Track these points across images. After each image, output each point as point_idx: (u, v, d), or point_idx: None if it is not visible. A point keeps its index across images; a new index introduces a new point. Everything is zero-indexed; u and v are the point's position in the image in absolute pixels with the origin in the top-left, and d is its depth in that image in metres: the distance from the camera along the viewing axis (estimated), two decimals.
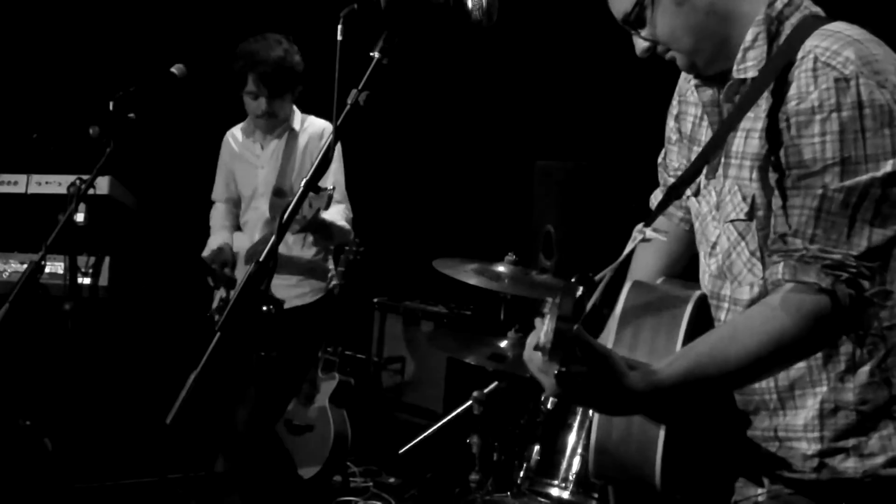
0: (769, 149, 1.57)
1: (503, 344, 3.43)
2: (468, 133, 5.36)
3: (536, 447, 3.10)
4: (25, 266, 2.78)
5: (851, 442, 1.58)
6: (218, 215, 4.05)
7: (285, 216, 1.68)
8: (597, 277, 1.61)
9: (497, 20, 1.70)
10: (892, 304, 1.53)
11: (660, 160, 1.98)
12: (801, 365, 1.59)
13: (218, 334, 1.57)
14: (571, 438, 3.03)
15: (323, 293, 3.90)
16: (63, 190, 3.25)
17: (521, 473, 3.12)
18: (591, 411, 1.63)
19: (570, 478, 2.98)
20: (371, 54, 1.72)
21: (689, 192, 1.83)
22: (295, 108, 3.89)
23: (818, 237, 1.47)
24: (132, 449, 4.19)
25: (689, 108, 1.84)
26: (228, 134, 4.00)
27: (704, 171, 1.73)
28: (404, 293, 5.31)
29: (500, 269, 3.43)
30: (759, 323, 1.49)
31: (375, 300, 5.36)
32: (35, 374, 4.08)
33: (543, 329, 1.35)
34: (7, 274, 4.34)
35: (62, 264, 3.63)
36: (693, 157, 1.77)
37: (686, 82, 1.85)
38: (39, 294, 2.78)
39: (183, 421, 1.53)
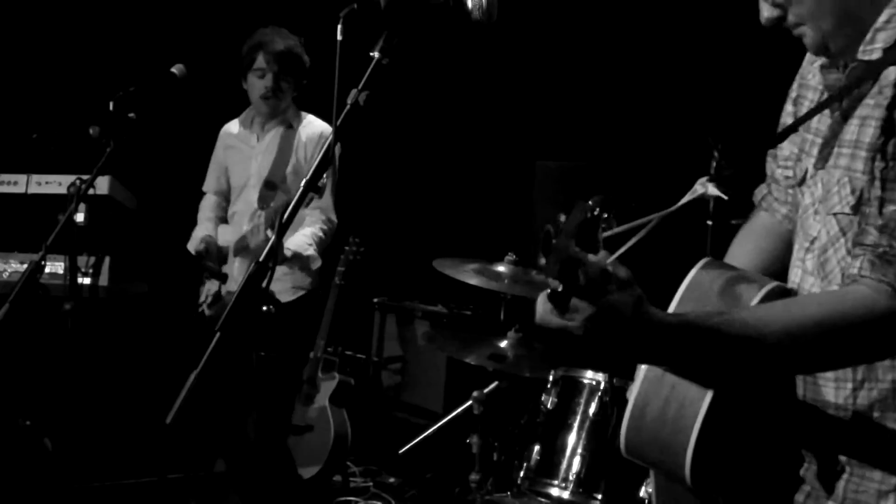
0: (885, 140, 1.44)
1: (503, 344, 3.43)
2: (468, 133, 5.36)
3: (536, 447, 3.10)
4: (25, 266, 2.78)
5: None
6: (206, 207, 4.08)
7: (285, 215, 1.68)
8: (638, 222, 1.47)
9: (497, 20, 1.70)
10: None
11: (771, 150, 1.80)
12: (885, 386, 1.46)
13: (218, 334, 1.57)
14: (571, 438, 3.04)
15: (304, 292, 3.90)
16: (63, 190, 3.25)
17: (521, 473, 3.12)
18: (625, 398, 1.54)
19: (570, 478, 2.98)
20: (371, 54, 1.72)
21: (794, 181, 1.69)
22: (297, 108, 3.92)
23: None
24: (132, 449, 4.18)
25: (807, 93, 1.70)
26: (224, 128, 4.04)
27: (813, 160, 1.61)
28: (404, 293, 5.31)
29: (500, 269, 3.44)
30: (816, 304, 1.40)
31: (375, 300, 5.36)
32: (35, 374, 4.08)
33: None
34: (7, 274, 4.33)
35: (62, 264, 3.63)
36: (806, 146, 1.65)
37: (810, 64, 1.70)
38: (39, 294, 2.78)
39: (183, 421, 1.53)
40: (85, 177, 3.11)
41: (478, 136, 5.32)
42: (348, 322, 4.55)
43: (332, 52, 1.70)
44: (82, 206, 3.27)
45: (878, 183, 1.43)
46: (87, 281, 4.08)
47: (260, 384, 3.62)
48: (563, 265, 1.25)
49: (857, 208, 1.48)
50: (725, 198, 1.57)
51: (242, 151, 3.95)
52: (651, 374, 1.52)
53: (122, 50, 5.19)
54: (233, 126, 4.02)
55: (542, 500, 3.03)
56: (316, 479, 4.17)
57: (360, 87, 1.70)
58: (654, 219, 1.44)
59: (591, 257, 1.28)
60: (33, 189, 4.44)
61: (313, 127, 3.90)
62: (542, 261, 1.28)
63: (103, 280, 4.22)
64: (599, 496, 2.95)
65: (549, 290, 1.32)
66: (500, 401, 3.48)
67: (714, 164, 3.92)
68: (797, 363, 1.46)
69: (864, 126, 1.47)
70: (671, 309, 1.55)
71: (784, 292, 1.60)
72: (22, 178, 4.47)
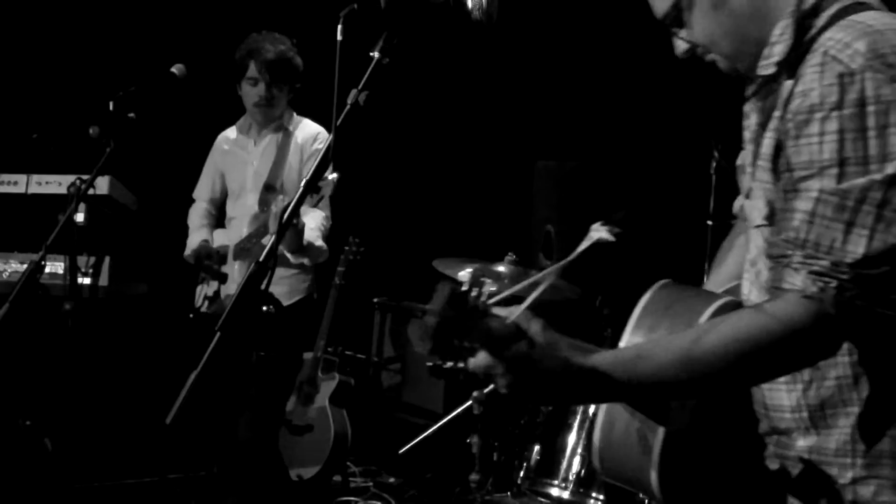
0: (777, 150, 1.48)
1: None
2: (468, 133, 5.36)
3: (536, 447, 3.11)
4: (25, 266, 2.78)
5: (886, 472, 1.45)
6: (196, 215, 4.08)
7: (285, 216, 1.69)
8: (538, 276, 1.52)
9: (497, 20, 1.70)
10: None
11: (738, 163, 1.81)
12: (830, 383, 1.48)
13: (218, 334, 1.57)
14: (571, 438, 3.04)
15: (302, 295, 3.90)
16: (63, 190, 3.25)
17: (521, 473, 3.12)
18: (591, 411, 1.61)
19: (570, 478, 2.99)
20: (371, 54, 1.72)
21: (743, 193, 1.70)
22: (292, 110, 3.92)
23: (809, 243, 1.38)
24: (132, 449, 4.18)
25: (750, 107, 1.72)
26: (221, 135, 4.04)
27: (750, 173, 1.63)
28: (404, 293, 5.31)
29: (500, 269, 3.43)
30: (729, 325, 1.41)
31: (375, 300, 5.36)
32: (35, 374, 4.08)
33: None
34: (7, 274, 4.34)
35: (62, 264, 3.63)
36: (748, 160, 1.67)
37: None
38: (39, 294, 2.78)
39: (183, 421, 1.53)
40: (85, 177, 3.11)
41: (477, 136, 5.33)
42: (348, 322, 4.55)
43: (332, 52, 1.70)
44: (82, 206, 3.27)
45: (780, 195, 1.47)
46: (87, 281, 4.08)
47: (257, 384, 3.62)
48: (434, 338, 1.33)
49: (771, 219, 1.52)
50: (612, 238, 1.59)
51: (239, 156, 3.95)
52: None
53: (122, 50, 5.19)
54: (230, 132, 4.03)
55: (542, 500, 3.03)
56: (316, 479, 4.17)
57: (360, 87, 1.71)
58: (551, 272, 1.48)
59: (477, 320, 1.35)
60: (33, 189, 4.44)
61: (308, 130, 3.91)
62: (418, 346, 1.37)
63: (103, 280, 4.22)
64: (599, 496, 2.95)
65: (430, 366, 1.41)
66: (500, 401, 3.47)
67: (714, 164, 3.93)
68: (716, 383, 1.48)
69: (770, 140, 1.51)
70: (626, 333, 1.60)
71: (735, 307, 1.62)
72: (22, 178, 4.47)
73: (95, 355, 4.12)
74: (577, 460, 2.99)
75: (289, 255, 3.69)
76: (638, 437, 1.53)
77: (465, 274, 1.39)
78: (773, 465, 1.59)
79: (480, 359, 1.39)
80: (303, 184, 1.71)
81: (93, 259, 4.14)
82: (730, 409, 1.63)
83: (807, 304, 1.37)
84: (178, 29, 5.21)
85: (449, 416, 3.87)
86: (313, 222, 3.72)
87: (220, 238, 3.95)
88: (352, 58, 1.75)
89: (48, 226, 2.93)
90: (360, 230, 4.33)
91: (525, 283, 1.49)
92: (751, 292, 1.62)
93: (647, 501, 2.82)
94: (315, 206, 3.31)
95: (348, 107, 1.70)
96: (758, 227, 1.57)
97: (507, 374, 1.39)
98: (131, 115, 3.20)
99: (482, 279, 1.39)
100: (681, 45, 1.63)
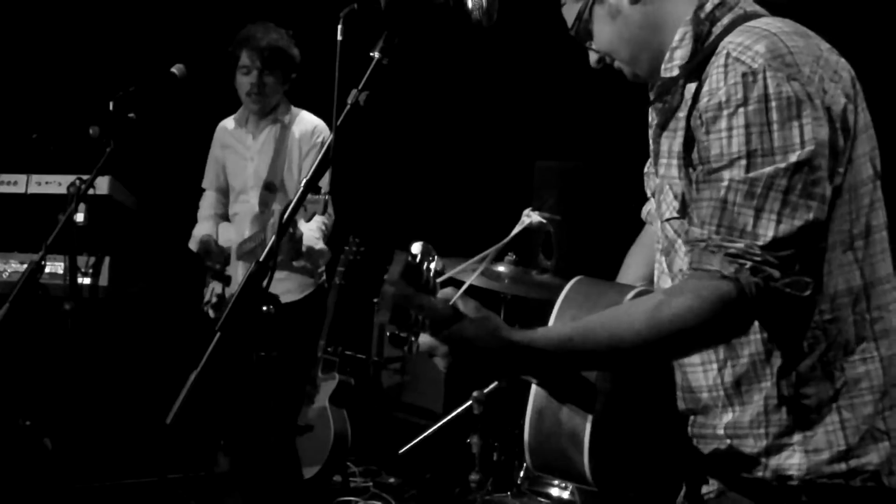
0: (687, 146, 1.58)
1: None
2: (468, 133, 5.36)
3: None
4: (25, 266, 2.78)
5: (796, 437, 1.55)
6: (206, 204, 4.07)
7: (285, 216, 1.69)
8: (482, 255, 1.67)
9: (497, 20, 1.70)
10: (831, 297, 1.53)
11: (646, 169, 1.93)
12: (744, 360, 1.58)
13: (218, 334, 1.57)
14: None
15: (312, 288, 3.89)
16: (63, 190, 3.25)
17: (521, 473, 3.12)
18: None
19: None
20: (371, 54, 1.72)
21: (649, 193, 1.83)
22: (288, 102, 3.90)
23: (723, 227, 1.48)
24: (132, 449, 4.18)
25: (652, 110, 1.84)
26: (221, 124, 4.02)
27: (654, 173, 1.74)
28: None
29: (500, 269, 3.43)
30: (653, 304, 1.50)
31: (375, 300, 5.34)
32: (35, 374, 4.08)
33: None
34: (7, 274, 4.34)
35: (62, 264, 3.63)
36: (651, 161, 1.80)
37: None
38: (39, 294, 2.78)
39: (183, 421, 1.53)
40: (85, 177, 3.11)
41: (477, 136, 5.32)
42: (348, 322, 4.55)
43: (332, 52, 1.70)
44: (82, 206, 3.27)
45: (693, 186, 1.58)
46: (87, 281, 4.09)
47: (262, 384, 3.62)
48: (392, 309, 1.41)
49: (682, 211, 1.62)
50: (543, 221, 1.76)
51: (238, 152, 3.93)
52: (540, 389, 1.63)
53: (122, 50, 5.19)
54: (229, 122, 4.00)
55: (542, 500, 3.03)
56: (316, 479, 4.17)
57: (360, 87, 1.71)
58: (489, 254, 1.61)
59: (425, 297, 1.47)
60: (33, 189, 4.45)
61: (305, 123, 3.89)
62: (380, 315, 1.45)
63: (103, 280, 4.22)
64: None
65: (389, 334, 1.48)
66: (500, 401, 3.47)
67: None
68: (639, 359, 1.57)
69: (675, 137, 1.63)
70: (549, 323, 1.67)
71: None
72: (22, 178, 4.47)
73: (95, 355, 4.12)
74: None
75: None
76: (567, 427, 1.58)
77: (416, 246, 1.43)
78: (693, 444, 1.67)
79: (424, 338, 1.51)
80: (302, 184, 1.71)
81: (93, 259, 4.14)
82: (653, 391, 1.69)
83: (725, 283, 1.46)
84: (178, 29, 5.21)
85: (449, 416, 3.87)
86: (313, 224, 3.72)
87: (226, 232, 3.94)
88: (352, 58, 1.75)
89: (48, 226, 2.93)
90: (360, 230, 4.33)
91: (464, 265, 1.62)
92: (663, 281, 1.72)
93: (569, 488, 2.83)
94: (308, 220, 3.32)
95: (348, 107, 1.70)
96: (667, 220, 1.66)
97: (448, 354, 1.51)
98: (131, 115, 3.20)
99: (432, 253, 1.49)
100: (592, 56, 1.78)
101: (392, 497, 4.46)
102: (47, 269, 3.13)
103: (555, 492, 3.00)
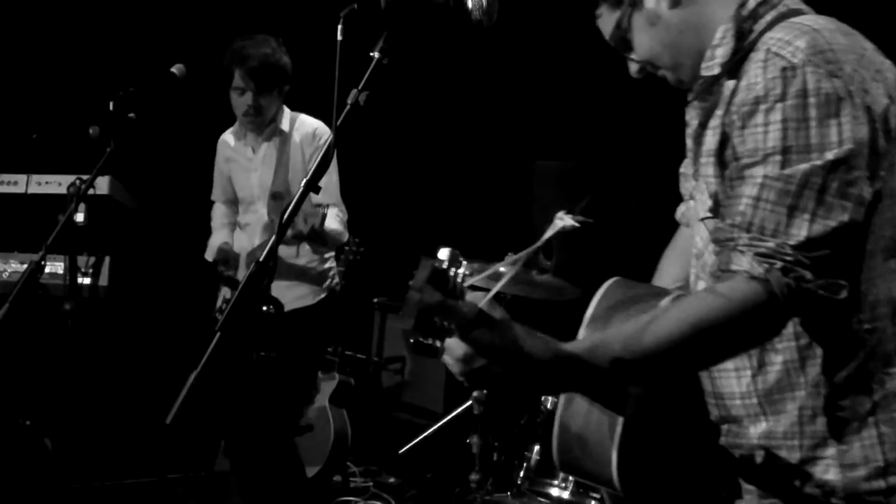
0: (722, 142, 1.55)
1: None
2: (468, 133, 5.36)
3: (536, 447, 3.10)
4: (25, 266, 2.78)
5: (831, 451, 1.49)
6: (218, 214, 4.05)
7: (285, 217, 1.69)
8: (512, 258, 1.59)
9: (497, 20, 1.70)
10: (871, 305, 1.47)
11: (682, 170, 1.87)
12: (778, 367, 1.53)
13: (218, 334, 1.57)
14: None
15: (324, 294, 3.89)
16: (63, 190, 3.25)
17: (521, 473, 3.12)
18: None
19: (570, 478, 2.99)
20: (371, 54, 1.72)
21: (687, 195, 1.79)
22: (285, 108, 3.88)
23: (754, 226, 1.43)
24: (132, 449, 4.19)
25: (691, 111, 1.79)
26: (221, 138, 4.00)
27: (692, 173, 1.71)
28: (404, 293, 5.30)
29: (501, 269, 3.43)
30: (680, 308, 1.45)
31: (375, 300, 5.35)
32: (35, 374, 4.08)
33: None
34: (7, 274, 4.34)
35: (62, 264, 3.63)
36: (689, 162, 1.76)
37: None
38: (39, 294, 2.78)
39: (183, 421, 1.53)
40: (85, 177, 3.11)
41: (478, 136, 5.32)
42: (348, 322, 4.55)
43: (332, 52, 1.70)
44: (82, 206, 3.26)
45: (725, 184, 1.54)
46: (87, 281, 4.08)
47: (262, 384, 3.62)
48: (418, 316, 1.35)
49: (715, 210, 1.58)
50: (577, 224, 1.64)
51: (241, 164, 3.91)
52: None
53: (122, 50, 5.19)
54: (229, 137, 3.96)
55: (542, 500, 3.03)
56: (316, 479, 4.17)
57: (360, 87, 1.71)
58: (519, 258, 1.55)
59: (454, 302, 1.38)
60: (33, 189, 4.45)
61: (306, 126, 3.87)
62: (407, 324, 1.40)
63: (103, 280, 4.22)
64: (599, 496, 2.95)
65: (411, 341, 1.42)
66: (500, 401, 3.47)
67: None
68: (668, 366, 1.50)
69: (713, 135, 1.59)
70: (581, 329, 1.63)
71: None
72: (22, 178, 4.47)
73: (95, 355, 4.12)
74: None
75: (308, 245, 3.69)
76: (597, 429, 1.55)
77: (444, 252, 1.40)
78: (727, 452, 1.62)
79: (453, 344, 1.42)
80: (303, 184, 1.71)
81: (93, 259, 4.14)
82: (684, 397, 1.65)
83: (754, 284, 1.40)
84: (178, 29, 5.21)
85: (449, 416, 3.87)
86: (331, 211, 3.70)
87: (240, 240, 3.93)
88: (352, 58, 1.75)
89: (48, 226, 2.93)
90: (360, 230, 4.33)
91: (492, 269, 1.56)
92: (696, 283, 1.68)
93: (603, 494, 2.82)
94: (306, 232, 3.32)
95: (348, 107, 1.70)
96: (702, 219, 1.62)
97: (475, 359, 1.42)
98: (131, 115, 3.20)
99: (460, 259, 1.43)
100: (632, 66, 1.73)
101: (392, 497, 4.46)
102: (47, 269, 3.13)
103: (555, 492, 3.00)
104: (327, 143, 1.71)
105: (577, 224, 1.58)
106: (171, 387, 1.60)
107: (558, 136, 4.91)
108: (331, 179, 3.78)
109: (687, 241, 1.86)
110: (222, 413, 3.61)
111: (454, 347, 1.43)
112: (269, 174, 3.83)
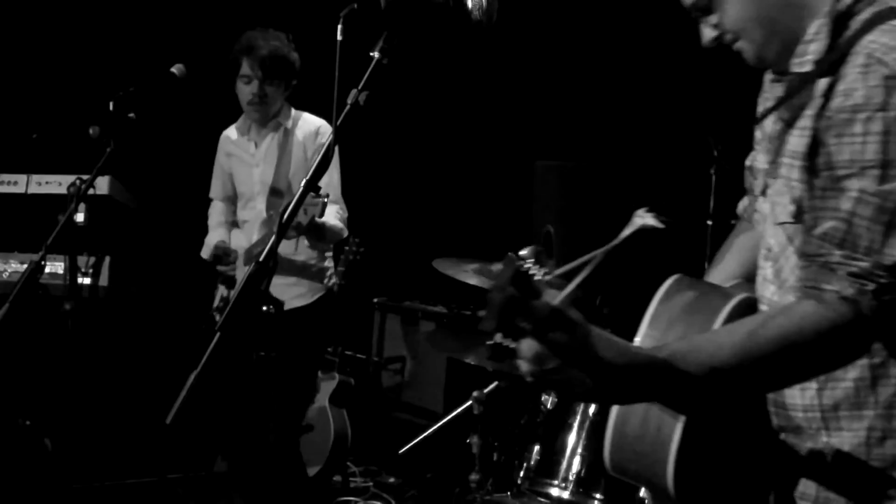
0: (813, 148, 1.46)
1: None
2: (468, 133, 5.36)
3: (536, 447, 3.10)
4: (25, 266, 2.78)
5: None
6: (215, 212, 4.06)
7: (285, 216, 1.69)
8: (584, 258, 1.45)
9: (497, 20, 1.70)
10: None
11: (747, 163, 1.79)
12: (846, 384, 1.47)
13: (218, 334, 1.57)
14: (571, 438, 3.04)
15: (322, 292, 3.89)
16: (63, 190, 3.25)
17: (521, 473, 3.12)
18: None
19: (570, 478, 2.98)
20: (371, 54, 1.72)
21: (757, 191, 1.70)
22: (289, 105, 3.89)
23: (847, 243, 1.36)
24: (132, 449, 4.18)
25: (766, 104, 1.70)
26: (223, 134, 4.01)
27: (766, 171, 1.63)
28: (404, 293, 5.31)
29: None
30: (761, 324, 1.39)
31: (375, 300, 5.36)
32: (35, 374, 4.08)
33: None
34: (7, 274, 4.34)
35: (62, 264, 3.63)
36: (761, 158, 1.68)
37: (767, 76, 1.72)
38: (39, 294, 2.78)
39: (183, 421, 1.53)
40: (85, 177, 3.11)
41: (478, 136, 5.33)
42: (348, 322, 4.55)
43: (332, 52, 1.70)
44: (82, 206, 3.27)
45: (814, 193, 1.46)
46: (87, 281, 4.08)
47: (262, 384, 3.62)
48: (499, 314, 1.27)
49: (798, 217, 1.50)
50: (662, 227, 1.52)
51: (243, 159, 3.92)
52: None
53: (122, 50, 5.19)
54: (231, 132, 3.98)
55: (542, 500, 3.02)
56: (316, 479, 4.17)
57: (360, 87, 1.71)
58: (597, 255, 1.43)
59: (535, 303, 1.29)
60: (33, 189, 4.45)
61: (308, 124, 3.88)
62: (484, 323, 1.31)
63: (103, 280, 4.22)
64: (599, 496, 2.95)
65: (492, 345, 1.35)
66: (500, 401, 3.48)
67: (714, 163, 3.93)
68: (752, 386, 1.47)
69: (801, 137, 1.50)
70: (641, 328, 1.58)
71: (751, 304, 1.62)
72: (22, 178, 4.47)
73: (95, 355, 4.12)
74: (577, 460, 2.99)
75: (306, 241, 3.69)
76: (655, 430, 1.50)
77: (528, 249, 1.34)
78: (785, 461, 1.57)
79: (525, 343, 1.34)
80: (303, 183, 1.71)
81: (93, 259, 4.14)
82: (748, 404, 1.60)
83: (842, 306, 1.35)
84: (178, 29, 5.21)
85: (449, 416, 3.87)
86: (331, 208, 3.71)
87: (237, 239, 3.94)
88: (352, 58, 1.75)
89: (48, 226, 2.93)
90: (360, 230, 4.33)
91: (568, 266, 1.43)
92: (766, 288, 1.61)
93: (646, 501, 2.82)
94: (306, 224, 3.32)
95: (348, 107, 1.70)
96: (781, 223, 1.55)
97: (556, 361, 1.33)
98: (131, 115, 3.20)
99: (543, 258, 1.35)
100: (708, 33, 1.62)
101: (392, 497, 4.46)
102: (47, 269, 3.12)
103: (555, 492, 3.00)
104: (327, 143, 1.71)
105: (657, 224, 1.49)
106: (171, 387, 1.60)
107: (558, 136, 4.91)
108: (332, 178, 3.79)
109: (749, 239, 1.81)
110: (222, 413, 3.61)
111: (527, 347, 1.35)
112: (270, 170, 3.83)
